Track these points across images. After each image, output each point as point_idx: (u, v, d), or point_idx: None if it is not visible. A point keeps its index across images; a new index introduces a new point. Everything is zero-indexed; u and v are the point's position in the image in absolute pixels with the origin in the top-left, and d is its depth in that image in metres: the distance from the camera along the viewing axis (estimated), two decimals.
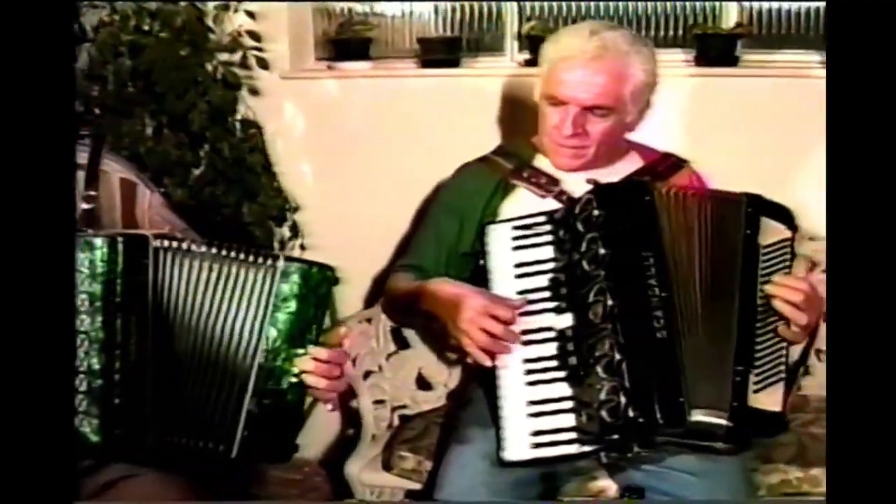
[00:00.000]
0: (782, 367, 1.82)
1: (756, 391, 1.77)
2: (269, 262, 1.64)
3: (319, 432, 3.04)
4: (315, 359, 1.65)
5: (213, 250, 1.63)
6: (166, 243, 1.62)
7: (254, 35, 2.88)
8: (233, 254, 1.64)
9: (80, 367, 1.54)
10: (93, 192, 1.72)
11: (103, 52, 2.78)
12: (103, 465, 1.66)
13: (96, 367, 1.55)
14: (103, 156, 1.77)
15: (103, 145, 1.79)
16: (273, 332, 1.63)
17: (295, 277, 1.63)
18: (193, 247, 1.62)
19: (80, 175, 1.71)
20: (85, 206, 1.70)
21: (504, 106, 2.80)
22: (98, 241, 1.56)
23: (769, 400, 1.79)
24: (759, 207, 1.88)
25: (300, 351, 1.64)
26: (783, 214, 1.90)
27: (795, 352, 1.88)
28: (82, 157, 1.73)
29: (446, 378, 2.54)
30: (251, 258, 1.64)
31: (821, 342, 2.39)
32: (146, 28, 2.80)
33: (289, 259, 1.66)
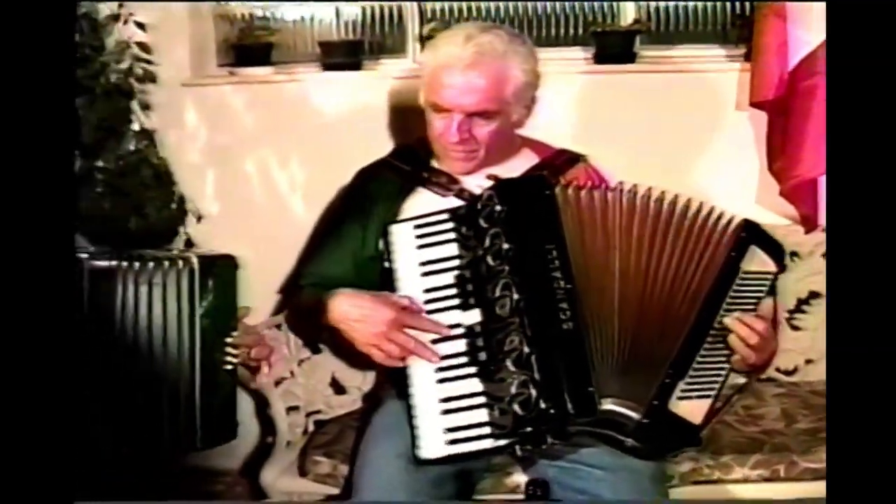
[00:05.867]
0: (716, 387, 1.82)
1: (681, 398, 1.77)
2: (182, 262, 1.75)
3: (239, 441, 2.99)
4: (246, 345, 1.83)
5: (137, 264, 1.74)
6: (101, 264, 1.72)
7: (143, 46, 2.83)
8: (151, 264, 1.74)
9: None
10: None
11: None
12: None
13: None
14: None
15: None
16: (206, 326, 1.74)
17: (208, 271, 1.74)
18: (124, 263, 1.73)
19: None
20: None
21: (405, 107, 2.78)
22: None
23: (691, 411, 1.78)
24: (754, 235, 1.85)
25: (229, 339, 1.79)
26: (775, 249, 1.88)
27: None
28: None
29: (361, 381, 2.53)
30: (168, 263, 1.74)
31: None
32: None
33: (197, 256, 1.77)
